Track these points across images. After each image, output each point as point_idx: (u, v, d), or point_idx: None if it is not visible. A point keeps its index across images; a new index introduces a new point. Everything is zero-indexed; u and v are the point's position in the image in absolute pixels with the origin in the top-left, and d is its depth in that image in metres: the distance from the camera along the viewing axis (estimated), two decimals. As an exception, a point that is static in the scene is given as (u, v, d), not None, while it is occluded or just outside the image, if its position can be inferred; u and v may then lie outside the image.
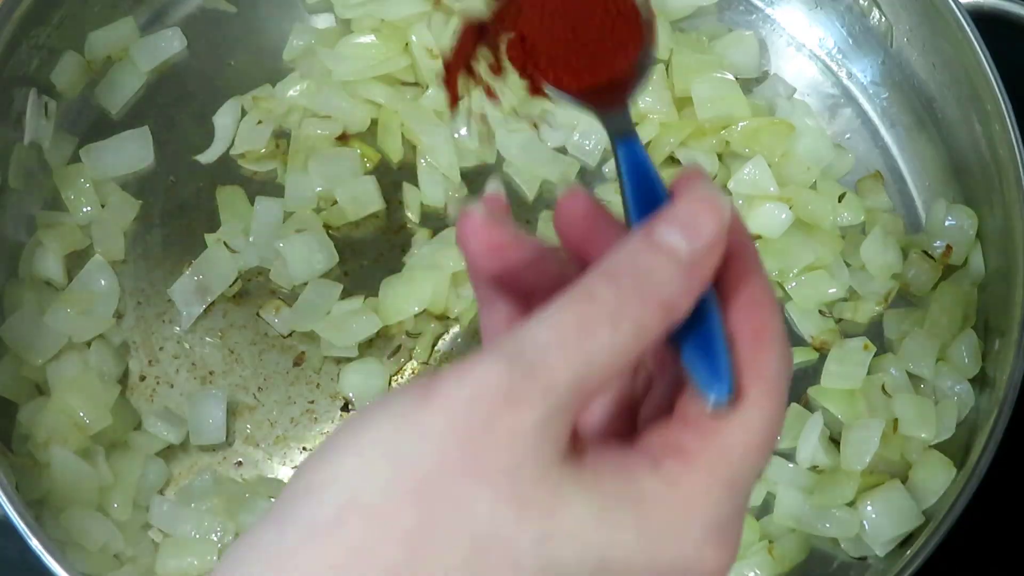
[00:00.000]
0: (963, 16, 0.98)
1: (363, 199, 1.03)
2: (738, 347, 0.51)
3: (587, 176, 1.05)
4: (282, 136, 1.06)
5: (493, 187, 0.55)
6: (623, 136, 0.57)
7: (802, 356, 1.01)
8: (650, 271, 0.49)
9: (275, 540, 0.45)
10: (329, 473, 0.46)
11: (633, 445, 0.50)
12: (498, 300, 0.56)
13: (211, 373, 1.01)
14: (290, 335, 1.01)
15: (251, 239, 1.02)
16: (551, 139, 1.05)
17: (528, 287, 0.54)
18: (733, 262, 0.51)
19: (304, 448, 0.99)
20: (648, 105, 1.05)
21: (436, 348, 1.01)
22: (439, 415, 0.46)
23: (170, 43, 1.08)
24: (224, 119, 1.06)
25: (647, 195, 0.55)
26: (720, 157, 1.05)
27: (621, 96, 0.59)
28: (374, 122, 1.06)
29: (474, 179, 1.04)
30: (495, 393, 0.45)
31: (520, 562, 0.45)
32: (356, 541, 0.44)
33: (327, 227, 1.03)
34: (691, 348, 0.51)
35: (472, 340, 1.01)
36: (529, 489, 0.45)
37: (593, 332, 0.47)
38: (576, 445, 0.48)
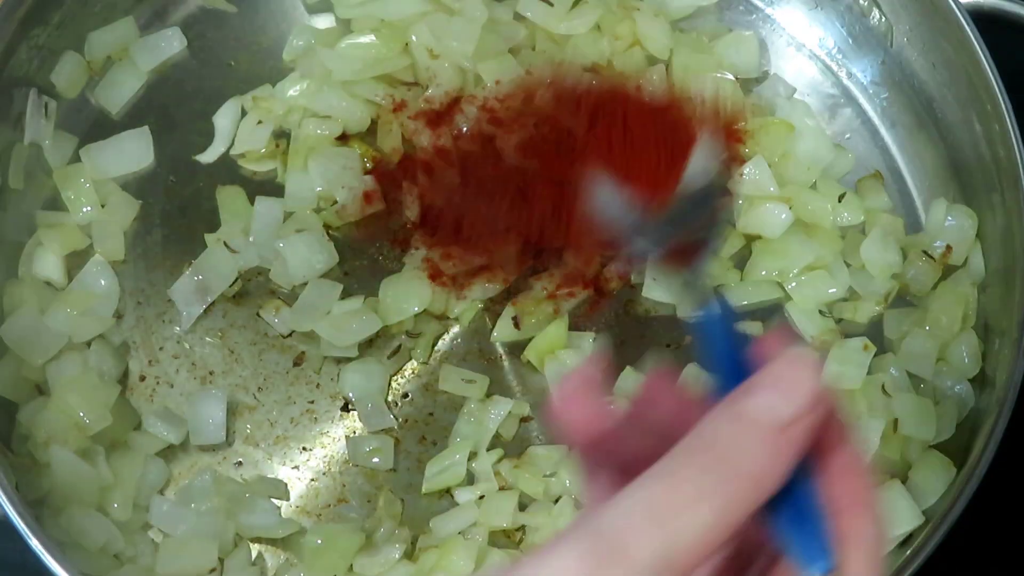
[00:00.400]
0: (963, 16, 0.98)
1: (363, 199, 1.03)
2: (835, 516, 0.49)
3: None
4: (282, 136, 1.06)
5: (599, 348, 0.55)
6: (704, 304, 0.55)
7: (802, 356, 1.01)
8: (735, 444, 0.47)
9: None
10: None
11: None
12: (600, 469, 0.55)
13: (211, 373, 1.01)
14: (290, 335, 1.01)
15: (251, 239, 1.02)
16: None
17: (627, 457, 0.53)
18: (823, 428, 0.50)
19: (304, 448, 0.99)
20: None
21: (436, 348, 1.01)
22: None
23: (170, 43, 1.08)
24: (224, 119, 1.06)
25: (731, 360, 0.53)
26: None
27: (692, 257, 0.58)
28: (374, 122, 1.06)
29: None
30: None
31: None
32: None
33: (327, 227, 1.03)
34: (787, 520, 0.49)
35: (472, 340, 1.01)
36: None
37: (676, 511, 0.46)
38: None
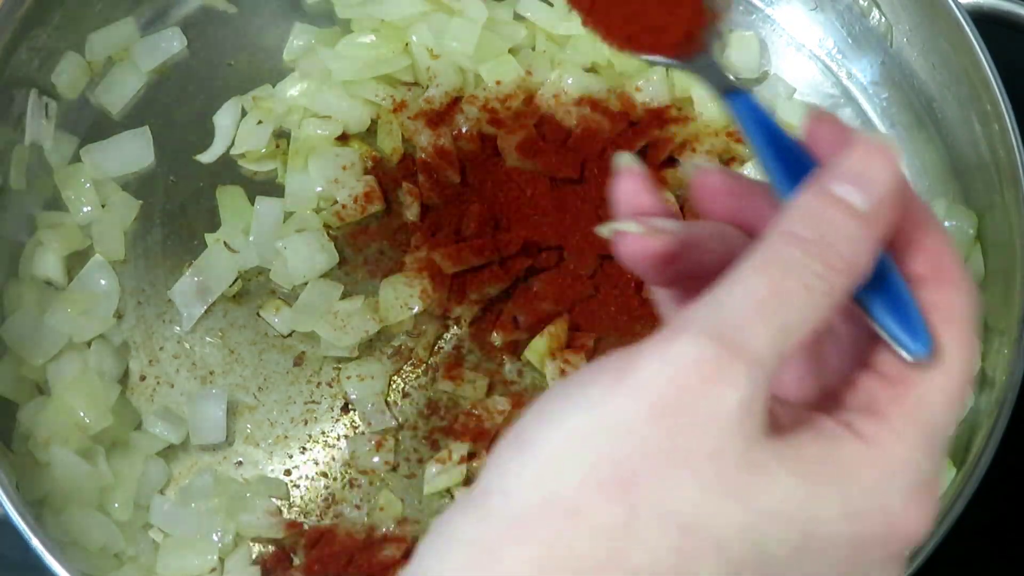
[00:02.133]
0: (963, 16, 0.98)
1: (363, 199, 1.03)
2: (922, 290, 0.49)
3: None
4: (282, 136, 1.06)
5: (625, 161, 0.54)
6: (730, 91, 0.55)
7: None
8: (832, 229, 0.47)
9: (475, 535, 0.44)
10: (526, 465, 0.44)
11: (822, 409, 0.49)
12: (672, 289, 0.55)
13: (211, 373, 1.01)
14: (290, 335, 1.02)
15: (251, 239, 1.02)
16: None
17: (698, 269, 0.53)
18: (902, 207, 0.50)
19: (304, 448, 0.99)
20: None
21: (436, 348, 1.01)
22: (637, 399, 0.44)
23: (170, 43, 1.09)
24: (224, 119, 1.06)
25: (783, 150, 0.53)
26: (720, 158, 1.05)
27: (698, 42, 0.58)
28: (374, 122, 1.06)
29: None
30: (696, 373, 0.44)
31: (726, 549, 0.44)
32: (558, 536, 0.43)
33: (327, 227, 1.03)
34: (878, 303, 0.49)
35: (472, 340, 1.01)
36: (734, 473, 0.44)
37: (788, 297, 0.45)
38: (771, 417, 0.46)
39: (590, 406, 0.44)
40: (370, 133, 1.07)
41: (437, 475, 0.96)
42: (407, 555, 0.94)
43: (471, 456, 0.97)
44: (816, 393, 0.52)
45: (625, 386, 0.44)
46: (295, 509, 0.97)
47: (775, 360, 0.45)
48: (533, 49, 1.09)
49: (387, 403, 1.00)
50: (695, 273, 0.53)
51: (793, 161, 0.52)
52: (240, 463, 0.98)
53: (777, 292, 0.45)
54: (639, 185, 0.55)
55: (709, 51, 0.58)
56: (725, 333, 0.44)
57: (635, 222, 0.52)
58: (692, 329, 0.44)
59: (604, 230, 0.54)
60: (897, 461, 0.46)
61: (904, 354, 0.48)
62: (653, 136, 1.04)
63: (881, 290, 0.49)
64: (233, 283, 1.02)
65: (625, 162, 0.55)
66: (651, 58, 0.59)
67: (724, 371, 0.44)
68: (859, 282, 0.48)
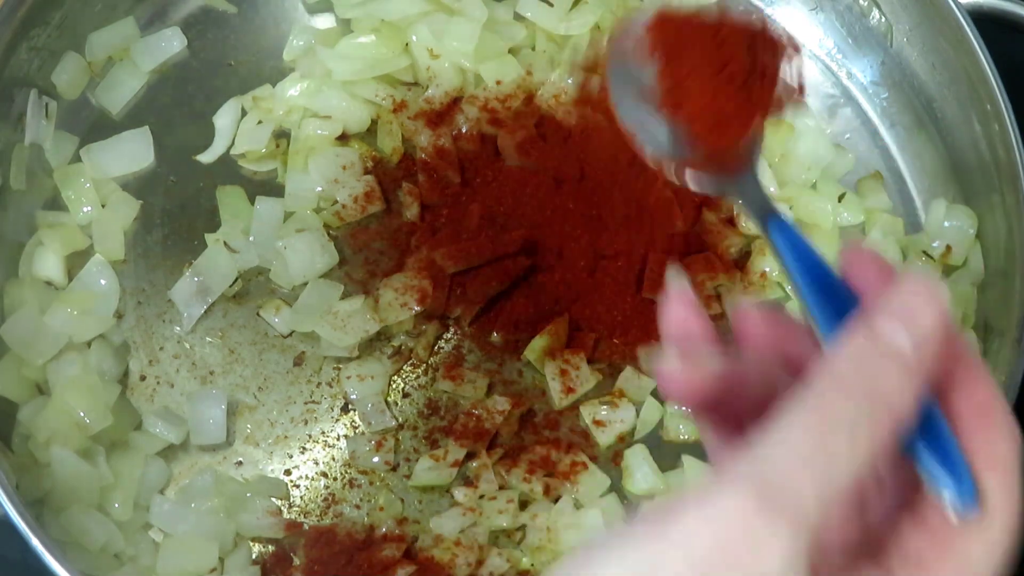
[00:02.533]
0: (963, 16, 0.98)
1: (363, 199, 1.03)
2: (965, 434, 0.48)
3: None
4: (282, 136, 1.06)
5: (677, 282, 0.53)
6: (770, 214, 0.53)
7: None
8: (878, 376, 0.46)
9: None
10: None
11: (865, 554, 0.48)
12: (717, 424, 0.54)
13: (211, 373, 1.01)
14: (290, 335, 1.02)
15: (251, 239, 1.02)
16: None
17: (743, 406, 0.52)
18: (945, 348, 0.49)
19: (304, 448, 0.99)
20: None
21: (436, 348, 1.01)
22: (679, 552, 0.43)
23: (170, 43, 1.09)
24: (224, 119, 1.06)
25: (823, 285, 0.52)
26: (720, 157, 1.05)
27: (742, 160, 0.56)
28: (374, 122, 1.06)
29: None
30: (740, 529, 0.43)
31: None
32: None
33: (327, 227, 1.03)
34: (924, 451, 0.48)
35: (472, 340, 1.01)
36: None
37: (833, 449, 0.44)
38: (815, 571, 0.45)
39: (633, 556, 0.44)
40: (370, 133, 1.07)
41: (427, 471, 0.96)
42: (407, 555, 0.94)
43: (469, 457, 0.97)
44: (859, 536, 0.51)
45: (668, 538, 0.43)
46: (295, 509, 0.97)
47: (820, 516, 0.44)
48: (533, 49, 1.09)
49: (387, 403, 1.00)
50: (737, 406, 0.53)
51: (833, 296, 0.51)
52: (240, 463, 0.98)
53: (823, 446, 0.45)
54: (688, 310, 0.54)
55: (754, 167, 0.56)
56: (770, 489, 0.44)
57: (677, 358, 0.51)
58: (737, 483, 0.44)
59: (646, 363, 0.54)
60: None
61: (950, 510, 0.47)
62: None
63: (926, 435, 0.48)
64: (233, 283, 1.02)
65: (677, 284, 0.55)
66: (698, 184, 0.57)
67: (769, 529, 0.43)
68: (906, 428, 0.47)
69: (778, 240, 0.53)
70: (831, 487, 0.44)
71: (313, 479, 0.98)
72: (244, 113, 1.07)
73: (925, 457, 0.48)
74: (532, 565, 0.94)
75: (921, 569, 0.47)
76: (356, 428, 0.99)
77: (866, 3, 1.07)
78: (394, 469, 0.98)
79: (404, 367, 1.01)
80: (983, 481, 0.47)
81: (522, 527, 0.96)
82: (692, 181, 0.57)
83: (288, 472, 0.98)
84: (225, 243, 1.02)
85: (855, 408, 0.45)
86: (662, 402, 0.99)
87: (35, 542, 0.85)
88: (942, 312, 0.48)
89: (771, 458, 0.44)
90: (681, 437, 0.99)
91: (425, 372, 1.01)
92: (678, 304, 0.54)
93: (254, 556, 0.95)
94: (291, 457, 0.99)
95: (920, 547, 0.47)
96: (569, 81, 1.05)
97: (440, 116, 1.05)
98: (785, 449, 0.44)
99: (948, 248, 1.02)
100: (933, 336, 0.48)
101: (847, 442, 0.45)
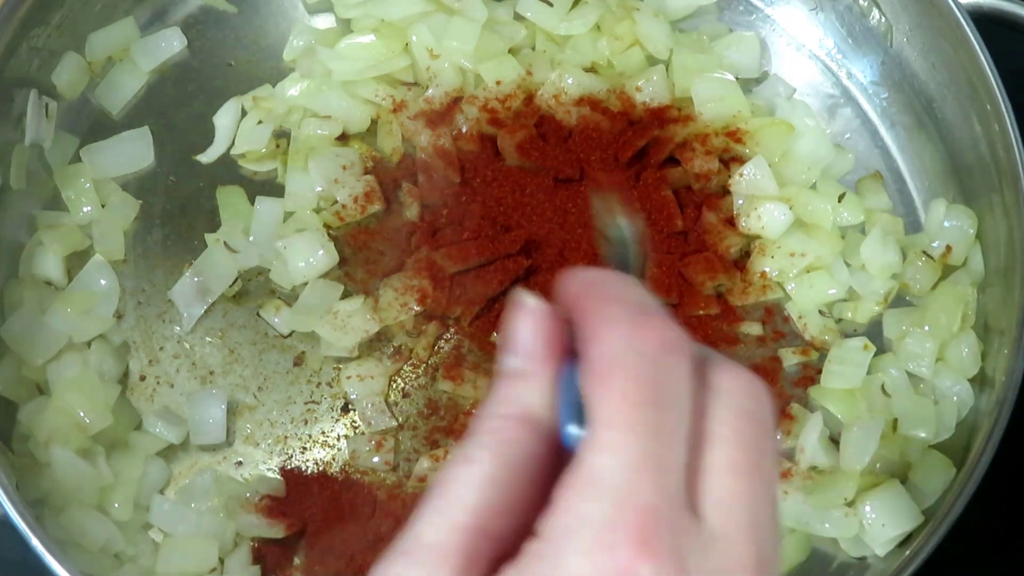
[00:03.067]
0: (963, 16, 0.98)
1: (363, 199, 1.03)
2: (584, 380, 0.51)
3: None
4: (282, 136, 1.06)
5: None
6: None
7: (802, 356, 1.01)
8: (494, 398, 0.52)
9: None
10: None
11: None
12: None
13: (211, 373, 1.01)
14: (290, 335, 1.02)
15: (251, 239, 1.02)
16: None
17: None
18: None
19: (304, 448, 0.99)
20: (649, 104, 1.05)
21: (436, 348, 1.01)
22: None
23: (170, 43, 1.09)
24: (224, 119, 1.06)
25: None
26: (720, 157, 1.05)
27: None
28: (374, 122, 1.06)
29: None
30: None
31: None
32: None
33: (327, 227, 1.03)
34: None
35: (472, 340, 1.01)
36: None
37: (449, 484, 0.50)
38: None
39: None
40: (370, 133, 1.07)
41: (427, 471, 0.96)
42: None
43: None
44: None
45: None
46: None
47: (456, 540, 0.49)
48: (533, 49, 1.09)
49: (387, 403, 1.00)
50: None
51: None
52: (240, 463, 0.98)
53: (439, 484, 0.50)
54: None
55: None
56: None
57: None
58: None
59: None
60: (563, 531, 0.48)
61: (565, 443, 0.50)
62: (653, 136, 1.04)
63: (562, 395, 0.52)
64: (233, 283, 1.02)
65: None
66: None
67: None
68: (546, 421, 0.51)
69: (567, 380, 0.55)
70: (460, 514, 0.50)
71: (313, 479, 0.98)
72: (244, 113, 1.07)
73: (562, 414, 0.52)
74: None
75: (549, 509, 0.48)
76: (356, 428, 0.99)
77: (866, 3, 1.07)
78: (394, 469, 0.98)
79: (404, 367, 1.01)
80: (590, 398, 0.50)
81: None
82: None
83: (288, 472, 0.98)
84: (225, 243, 1.02)
85: (471, 441, 0.51)
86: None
87: (35, 542, 0.85)
88: (537, 322, 0.53)
89: (408, 531, 0.51)
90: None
91: (425, 372, 1.01)
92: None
93: (254, 556, 0.95)
94: (291, 457, 0.99)
95: (553, 495, 0.49)
96: (569, 81, 1.05)
97: (440, 116, 1.05)
98: (416, 514, 0.51)
99: (948, 248, 1.02)
100: (533, 343, 0.53)
101: (462, 471, 0.50)
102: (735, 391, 0.52)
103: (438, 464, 0.96)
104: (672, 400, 0.49)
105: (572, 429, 0.51)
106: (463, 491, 0.49)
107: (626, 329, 0.50)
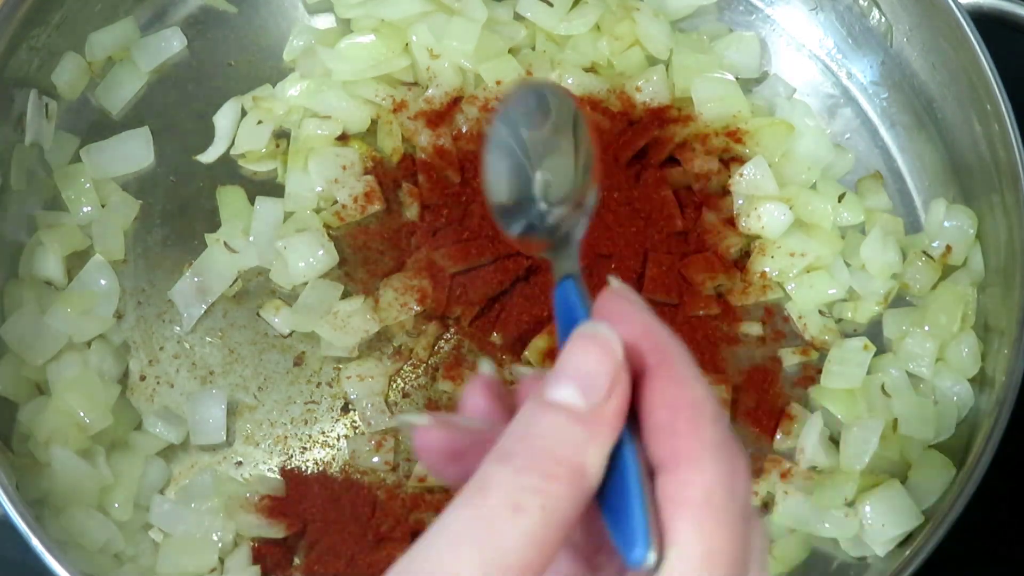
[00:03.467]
0: (963, 16, 0.98)
1: (363, 199, 1.03)
2: (661, 476, 0.46)
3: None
4: (282, 136, 1.06)
5: (486, 369, 0.52)
6: (563, 277, 0.53)
7: (802, 356, 1.01)
8: (547, 437, 0.45)
9: None
10: None
11: None
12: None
13: (211, 373, 1.01)
14: (290, 335, 1.02)
15: (251, 239, 1.02)
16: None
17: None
18: (646, 381, 0.47)
19: (304, 448, 0.99)
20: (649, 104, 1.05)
21: (436, 348, 1.01)
22: None
23: (170, 43, 1.09)
24: (224, 119, 1.07)
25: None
26: (720, 157, 1.05)
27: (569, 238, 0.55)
28: (374, 122, 1.06)
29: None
30: None
31: None
32: None
33: (327, 227, 1.03)
34: (607, 503, 0.46)
35: (472, 340, 1.01)
36: None
37: (494, 526, 0.43)
38: None
39: None
40: (370, 133, 1.07)
41: (426, 471, 0.96)
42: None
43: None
44: None
45: None
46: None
47: None
48: (533, 49, 1.09)
49: (387, 403, 1.00)
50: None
51: None
52: (240, 463, 0.98)
53: (484, 520, 0.43)
54: (487, 397, 0.53)
55: (580, 230, 0.55)
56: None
57: (426, 416, 0.51)
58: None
59: (400, 422, 0.54)
60: None
61: (627, 565, 0.45)
62: (653, 136, 1.04)
63: (611, 487, 0.46)
64: (233, 283, 1.02)
65: (484, 369, 0.54)
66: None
67: None
68: (592, 486, 0.45)
69: (559, 297, 0.52)
70: (500, 565, 0.43)
71: (313, 479, 0.98)
72: (244, 113, 1.07)
73: (607, 509, 0.46)
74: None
75: None
76: (356, 428, 0.99)
77: (866, 3, 1.07)
78: (394, 469, 0.98)
79: (404, 367, 1.01)
80: (672, 525, 0.45)
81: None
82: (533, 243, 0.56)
83: (288, 472, 0.98)
84: (225, 243, 1.02)
85: (519, 474, 0.44)
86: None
87: (35, 542, 0.85)
88: (613, 358, 0.46)
89: (435, 550, 0.43)
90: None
91: (425, 372, 1.01)
92: (480, 391, 0.53)
93: (254, 556, 0.95)
94: (291, 457, 0.99)
95: None
96: (569, 81, 1.05)
97: (440, 116, 1.05)
98: (448, 536, 0.43)
99: (948, 248, 1.02)
100: (608, 386, 0.46)
101: (509, 510, 0.43)
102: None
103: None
104: (746, 558, 0.47)
105: (650, 554, 0.45)
106: (508, 542, 0.44)
107: (727, 467, 0.46)
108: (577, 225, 0.55)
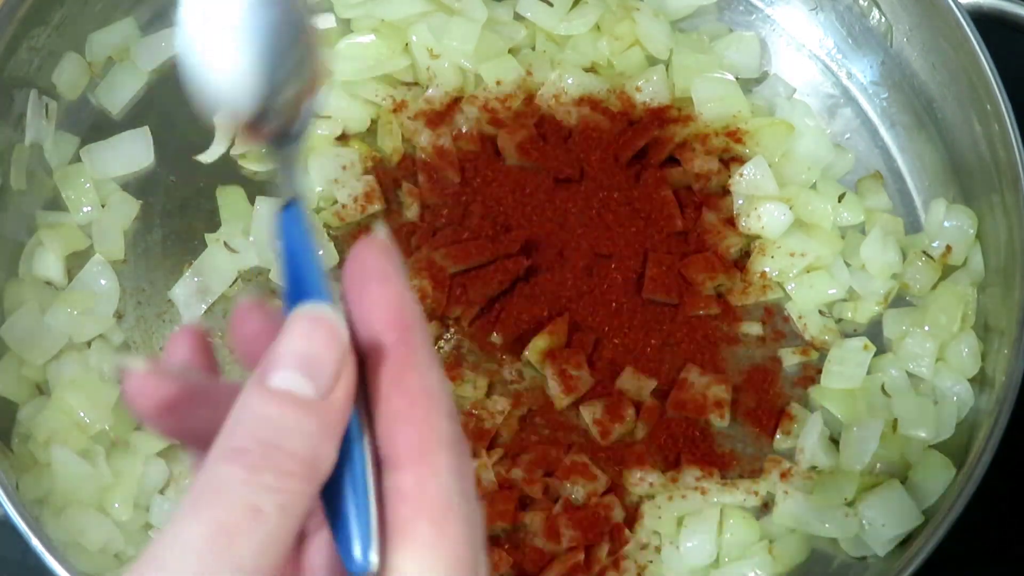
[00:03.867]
0: (963, 16, 0.98)
1: (363, 199, 1.03)
2: (395, 472, 0.43)
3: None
4: (282, 136, 1.06)
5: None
6: (292, 199, 0.49)
7: (802, 356, 1.01)
8: (277, 429, 0.42)
9: None
10: None
11: None
12: (193, 440, 0.49)
13: (211, 373, 1.00)
14: (290, 335, 1.01)
15: (251, 239, 1.02)
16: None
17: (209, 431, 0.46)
18: (382, 363, 0.44)
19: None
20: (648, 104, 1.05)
21: (436, 348, 1.01)
22: None
23: (170, 43, 1.08)
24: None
25: (302, 280, 0.47)
26: (720, 157, 1.05)
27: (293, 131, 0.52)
28: (374, 122, 1.06)
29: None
30: None
31: None
32: None
33: (327, 227, 1.03)
34: (332, 502, 0.44)
35: (472, 340, 1.01)
36: None
37: (231, 533, 0.41)
38: None
39: None
40: (370, 133, 1.07)
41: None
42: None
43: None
44: None
45: None
46: (295, 509, 0.97)
47: None
48: (533, 49, 1.09)
49: (387, 403, 0.99)
50: (210, 432, 0.46)
51: (313, 294, 0.46)
52: (240, 463, 0.98)
53: (217, 524, 0.41)
54: (184, 342, 0.50)
55: (299, 141, 0.52)
56: None
57: (142, 360, 0.47)
58: None
59: (116, 365, 0.51)
60: None
61: (349, 566, 0.43)
62: (653, 136, 1.04)
63: (337, 484, 0.44)
64: (233, 283, 1.02)
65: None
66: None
67: None
68: (322, 478, 0.43)
69: (282, 226, 0.48)
70: (245, 570, 0.41)
71: (313, 479, 0.98)
72: (244, 113, 1.07)
73: (330, 509, 0.44)
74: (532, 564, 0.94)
75: None
76: (356, 428, 0.99)
77: (866, 3, 1.07)
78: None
79: (404, 367, 1.00)
80: (406, 523, 0.43)
81: (522, 527, 0.96)
82: (251, 138, 0.53)
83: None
84: (225, 243, 1.02)
85: (253, 472, 0.41)
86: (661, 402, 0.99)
87: (35, 542, 0.85)
88: (339, 342, 0.44)
89: (168, 564, 0.41)
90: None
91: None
92: (184, 341, 0.51)
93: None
94: (291, 457, 0.98)
95: None
96: (569, 81, 1.05)
97: (440, 116, 1.05)
98: (180, 549, 0.41)
99: (948, 248, 1.02)
100: (335, 371, 0.44)
101: (248, 514, 0.41)
102: None
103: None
104: (476, 562, 0.45)
105: (372, 556, 0.43)
106: (246, 548, 0.41)
107: (465, 467, 0.44)
108: (301, 127, 0.52)
